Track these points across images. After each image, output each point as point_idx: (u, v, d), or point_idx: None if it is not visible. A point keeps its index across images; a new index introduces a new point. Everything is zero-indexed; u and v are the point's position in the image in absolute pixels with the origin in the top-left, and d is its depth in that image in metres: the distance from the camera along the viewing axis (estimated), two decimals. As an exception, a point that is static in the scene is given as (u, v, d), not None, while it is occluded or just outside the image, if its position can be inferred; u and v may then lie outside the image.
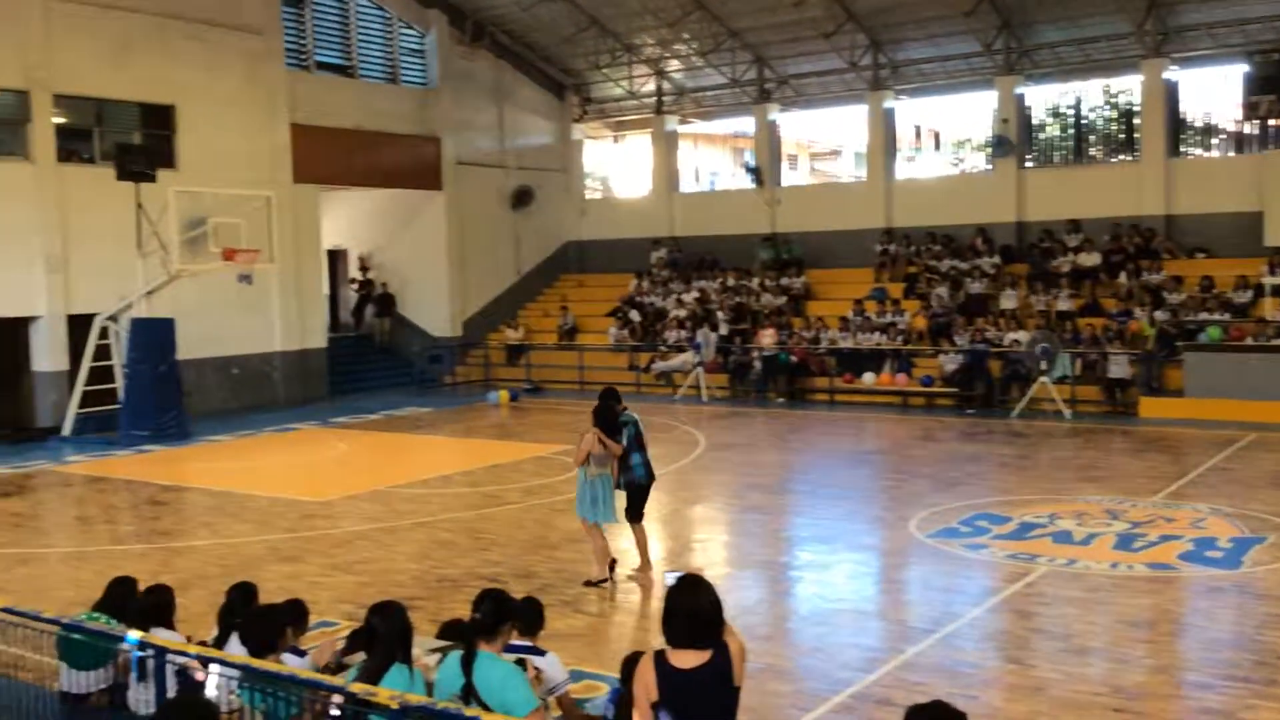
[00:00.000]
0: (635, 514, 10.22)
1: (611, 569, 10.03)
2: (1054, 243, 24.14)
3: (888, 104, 27.01)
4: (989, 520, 11.97)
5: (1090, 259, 23.41)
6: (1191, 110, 24.59)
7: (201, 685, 5.46)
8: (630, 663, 5.32)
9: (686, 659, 4.25)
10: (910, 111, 27.68)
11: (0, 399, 20.17)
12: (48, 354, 20.48)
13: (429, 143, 27.85)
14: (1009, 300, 23.11)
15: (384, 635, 5.33)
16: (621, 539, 10.65)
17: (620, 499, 10.17)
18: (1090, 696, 7.11)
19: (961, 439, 18.05)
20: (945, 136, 27.91)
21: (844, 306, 24.61)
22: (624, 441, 10.11)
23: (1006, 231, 25.24)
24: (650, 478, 10.24)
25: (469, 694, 5.04)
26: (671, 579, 4.50)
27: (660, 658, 4.28)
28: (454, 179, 28.25)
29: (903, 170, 27.60)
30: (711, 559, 11.13)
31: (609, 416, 10.15)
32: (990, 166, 26.32)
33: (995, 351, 21.49)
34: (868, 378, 22.58)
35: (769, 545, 11.67)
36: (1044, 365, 19.90)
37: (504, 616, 5.44)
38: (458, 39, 28.33)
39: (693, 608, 4.29)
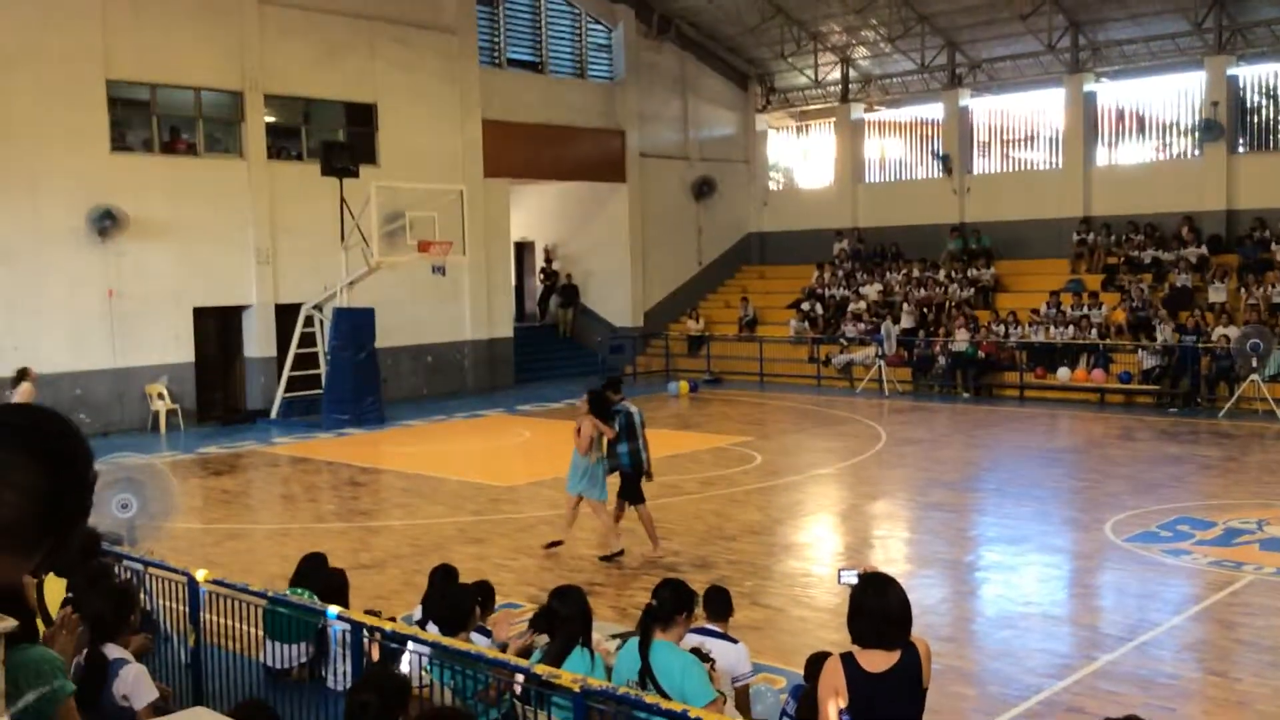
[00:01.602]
0: (634, 497, 10.73)
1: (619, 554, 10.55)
2: (1268, 232, 22.66)
3: (1088, 87, 25.87)
4: (1191, 525, 11.37)
5: (1310, 249, 21.87)
6: None
7: (393, 659, 5.73)
8: (816, 661, 5.29)
9: (876, 660, 4.19)
10: (1112, 94, 26.41)
11: (215, 383, 21.54)
12: (257, 341, 21.75)
13: (614, 135, 28.25)
14: (1217, 293, 21.83)
15: (566, 619, 5.46)
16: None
17: (615, 482, 10.82)
18: (1302, 717, 6.68)
19: (1162, 439, 17.18)
20: (1150, 120, 26.46)
21: (1035, 299, 23.72)
22: (615, 428, 10.65)
23: (1215, 220, 23.82)
24: (635, 466, 10.69)
25: (645, 679, 5.12)
26: (850, 577, 4.44)
27: (849, 659, 4.23)
28: (638, 171, 28.57)
29: (1103, 156, 26.40)
30: (892, 556, 10.94)
31: (603, 404, 10.74)
32: (1198, 152, 24.86)
33: (1202, 347, 20.35)
34: (1062, 373, 21.71)
35: (953, 544, 11.39)
36: (1255, 362, 18.73)
37: (681, 606, 5.50)
38: (644, 32, 28.62)
39: (883, 607, 4.21)
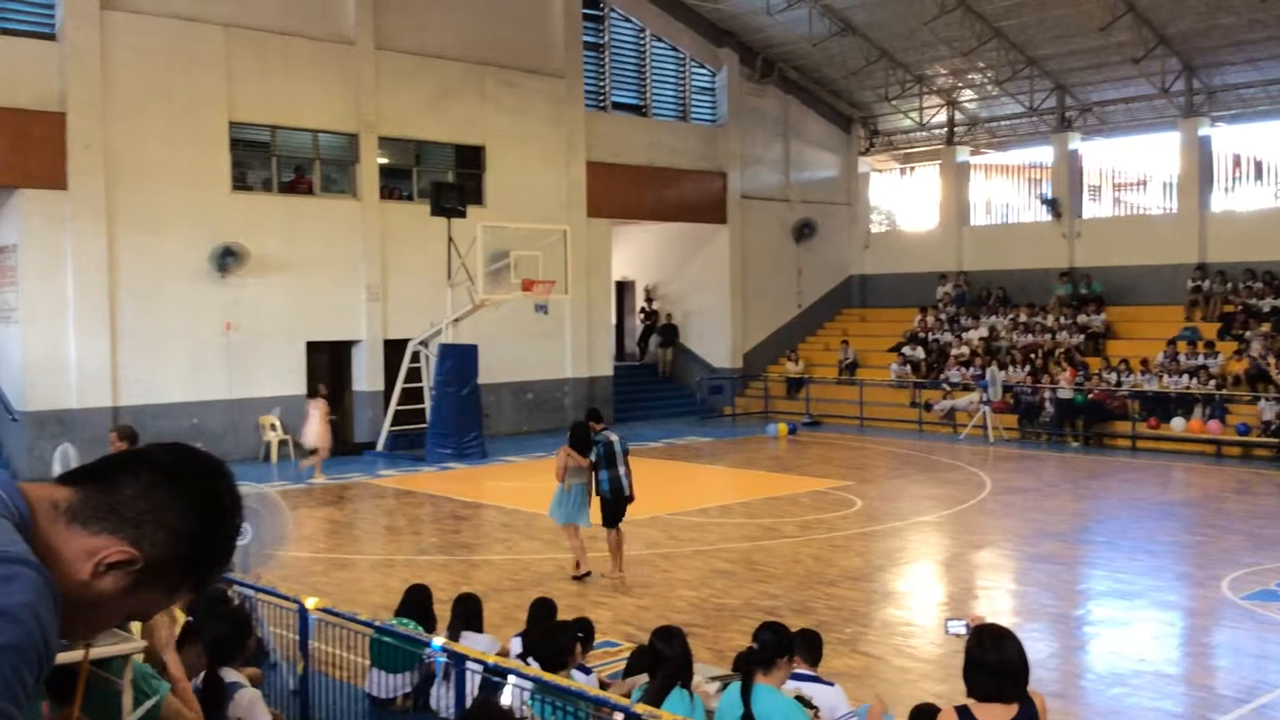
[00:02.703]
0: (611, 520, 11.39)
1: (585, 575, 11.34)
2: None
3: (1203, 131, 25.24)
4: (1314, 585, 10.91)
5: None
6: None
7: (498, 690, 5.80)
8: (922, 714, 5.21)
9: (993, 715, 4.09)
10: (1228, 139, 25.74)
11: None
12: (366, 375, 22.28)
13: (716, 177, 28.41)
14: (1342, 344, 20.99)
15: (668, 659, 5.48)
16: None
17: (597, 505, 11.47)
18: None
19: (1283, 494, 16.53)
20: (1268, 166, 25.68)
21: (1147, 346, 23.10)
22: (593, 458, 11.30)
23: (1340, 268, 22.96)
24: (615, 493, 11.32)
25: (748, 724, 5.10)
26: (958, 627, 4.38)
27: (965, 713, 4.15)
28: (739, 212, 28.66)
29: (1219, 201, 25.69)
30: (997, 608, 10.69)
31: (581, 435, 11.42)
32: (1322, 197, 24.06)
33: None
34: (1177, 423, 21.05)
35: (1061, 597, 11.10)
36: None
37: (782, 650, 5.47)
38: (747, 75, 28.81)
39: (1002, 659, 4.12)
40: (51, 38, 18.88)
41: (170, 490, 1.56)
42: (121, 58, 19.22)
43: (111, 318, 19.13)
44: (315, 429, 18.27)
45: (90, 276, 18.91)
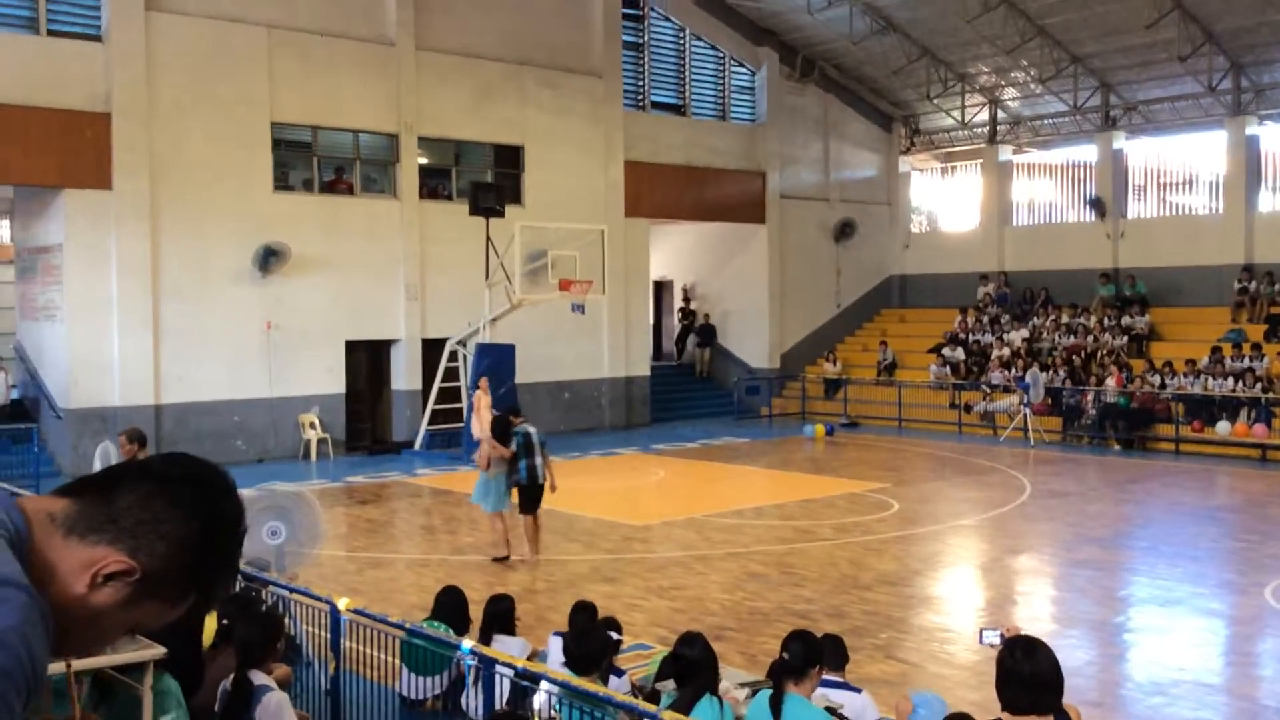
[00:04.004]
0: (527, 508, 12.20)
1: (505, 558, 12.15)
2: None
3: (1250, 130, 24.82)
4: (1363, 595, 10.68)
5: None
6: None
7: (529, 694, 5.80)
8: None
9: None
10: (1276, 138, 25.28)
11: (364, 414, 22.24)
12: (405, 374, 22.40)
13: (754, 177, 28.30)
14: (1394, 347, 20.56)
15: (696, 665, 5.45)
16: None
17: (517, 496, 12.28)
18: None
19: (1331, 500, 16.21)
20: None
21: (1192, 349, 22.74)
22: (513, 448, 12.08)
23: (1393, 269, 22.49)
24: (531, 480, 12.13)
25: (777, 733, 5.05)
26: (992, 636, 4.32)
27: None
28: (778, 212, 28.54)
29: (1266, 202, 25.24)
30: (1035, 614, 10.57)
31: (502, 427, 12.28)
32: (1374, 197, 23.57)
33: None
34: (1221, 427, 20.72)
35: (1101, 604, 10.94)
36: None
37: (813, 659, 5.42)
38: (787, 75, 28.67)
39: (1034, 671, 4.06)
40: (98, 39, 19.12)
41: (168, 499, 1.54)
42: (166, 59, 19.43)
43: (154, 316, 19.34)
44: (478, 421, 19.08)
45: (134, 276, 19.13)
